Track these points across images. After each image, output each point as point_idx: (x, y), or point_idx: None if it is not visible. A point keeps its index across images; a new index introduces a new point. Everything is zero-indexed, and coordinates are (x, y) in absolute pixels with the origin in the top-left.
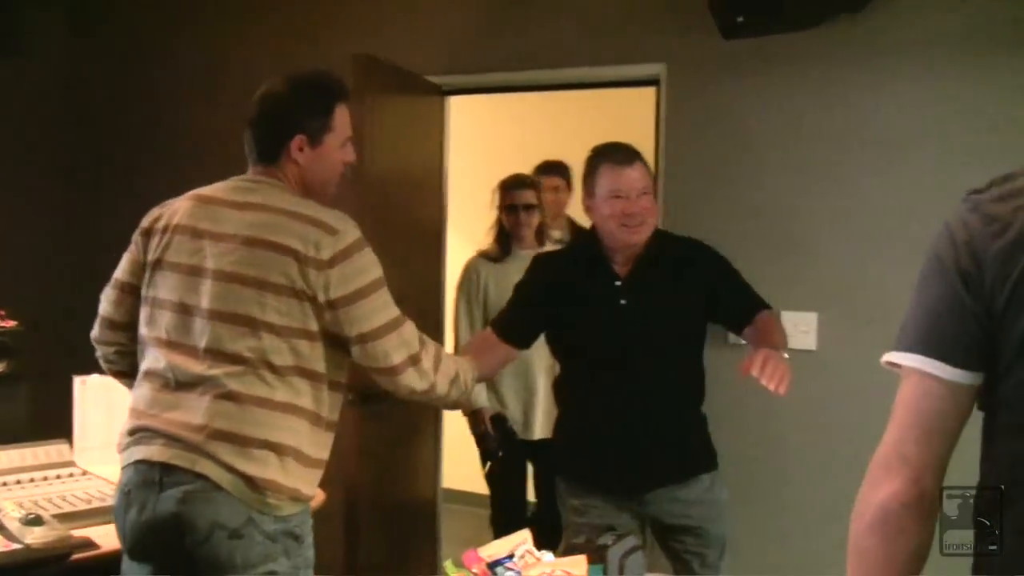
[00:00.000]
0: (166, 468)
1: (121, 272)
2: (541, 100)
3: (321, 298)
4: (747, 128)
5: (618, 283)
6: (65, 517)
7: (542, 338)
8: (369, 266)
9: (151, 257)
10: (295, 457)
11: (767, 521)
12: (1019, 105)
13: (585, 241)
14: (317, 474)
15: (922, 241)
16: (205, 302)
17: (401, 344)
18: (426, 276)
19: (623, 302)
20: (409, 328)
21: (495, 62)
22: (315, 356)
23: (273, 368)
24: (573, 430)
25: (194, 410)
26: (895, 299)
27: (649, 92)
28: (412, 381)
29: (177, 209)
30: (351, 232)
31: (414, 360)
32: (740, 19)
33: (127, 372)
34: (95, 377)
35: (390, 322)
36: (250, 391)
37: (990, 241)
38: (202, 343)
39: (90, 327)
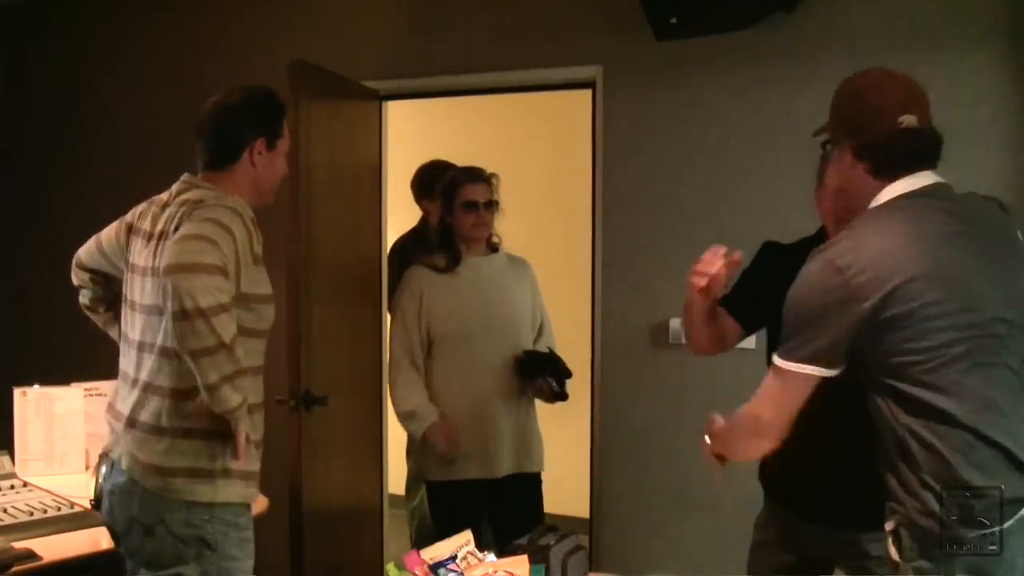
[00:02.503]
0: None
1: (105, 234)
2: (481, 102)
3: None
4: (683, 128)
5: None
6: (6, 529)
7: (500, 363)
8: (208, 227)
9: (129, 257)
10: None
11: (721, 519)
12: (947, 105)
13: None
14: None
15: None
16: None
17: (181, 252)
18: (365, 283)
19: None
20: (214, 281)
21: (432, 67)
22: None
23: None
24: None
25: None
26: None
27: (586, 94)
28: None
29: (145, 213)
30: (213, 210)
31: (183, 268)
32: (673, 20)
33: (89, 307)
34: (35, 389)
35: (188, 235)
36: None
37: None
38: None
39: (28, 339)
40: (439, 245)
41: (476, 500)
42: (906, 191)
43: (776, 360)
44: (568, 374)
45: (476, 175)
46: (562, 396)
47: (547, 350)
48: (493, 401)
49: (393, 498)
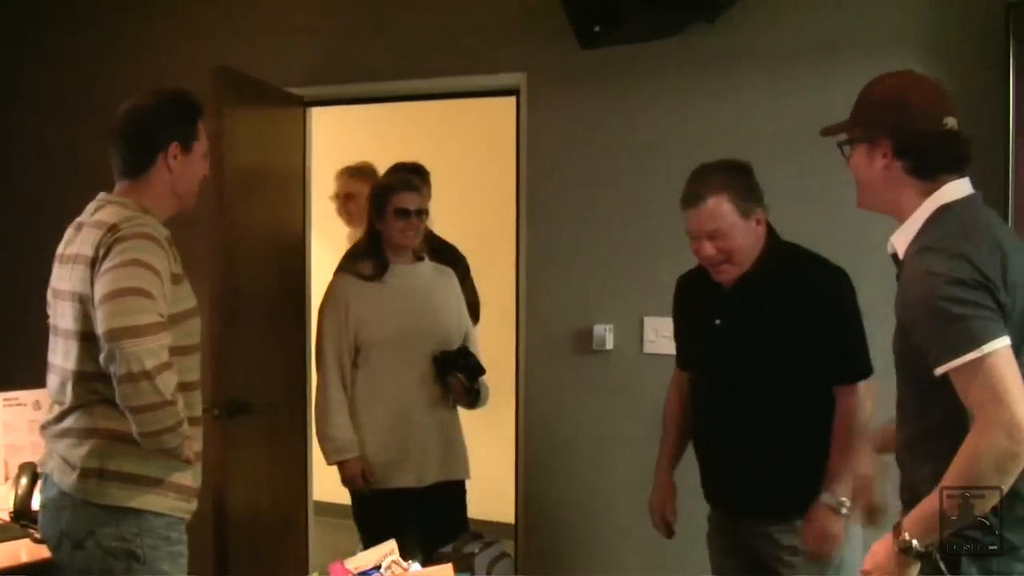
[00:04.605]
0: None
1: None
2: (410, 105)
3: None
4: (607, 136)
5: (719, 302)
6: None
7: (427, 372)
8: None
9: (52, 283)
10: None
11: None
12: None
13: None
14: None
15: None
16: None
17: (121, 312)
18: (289, 289)
19: (718, 322)
20: (158, 340)
21: (357, 73)
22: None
23: None
24: (695, 443)
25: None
26: None
27: (512, 100)
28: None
29: (65, 240)
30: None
31: (129, 332)
32: (597, 29)
33: None
34: None
35: (122, 289)
36: None
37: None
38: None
39: None
40: (366, 252)
41: (402, 509)
42: (965, 194)
43: (981, 352)
44: (480, 371)
45: (409, 184)
46: (476, 394)
47: (459, 346)
48: (419, 409)
49: (318, 505)
